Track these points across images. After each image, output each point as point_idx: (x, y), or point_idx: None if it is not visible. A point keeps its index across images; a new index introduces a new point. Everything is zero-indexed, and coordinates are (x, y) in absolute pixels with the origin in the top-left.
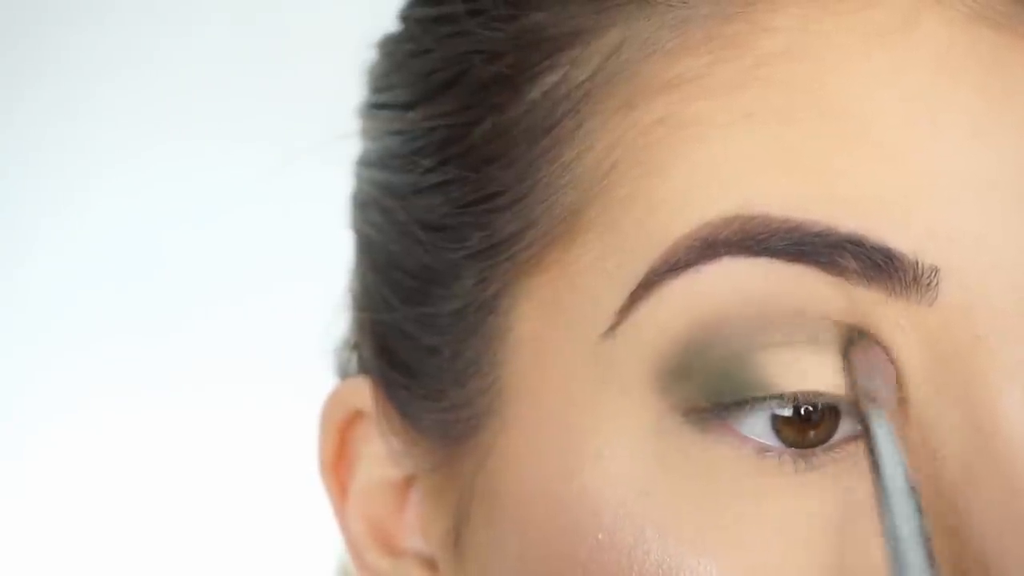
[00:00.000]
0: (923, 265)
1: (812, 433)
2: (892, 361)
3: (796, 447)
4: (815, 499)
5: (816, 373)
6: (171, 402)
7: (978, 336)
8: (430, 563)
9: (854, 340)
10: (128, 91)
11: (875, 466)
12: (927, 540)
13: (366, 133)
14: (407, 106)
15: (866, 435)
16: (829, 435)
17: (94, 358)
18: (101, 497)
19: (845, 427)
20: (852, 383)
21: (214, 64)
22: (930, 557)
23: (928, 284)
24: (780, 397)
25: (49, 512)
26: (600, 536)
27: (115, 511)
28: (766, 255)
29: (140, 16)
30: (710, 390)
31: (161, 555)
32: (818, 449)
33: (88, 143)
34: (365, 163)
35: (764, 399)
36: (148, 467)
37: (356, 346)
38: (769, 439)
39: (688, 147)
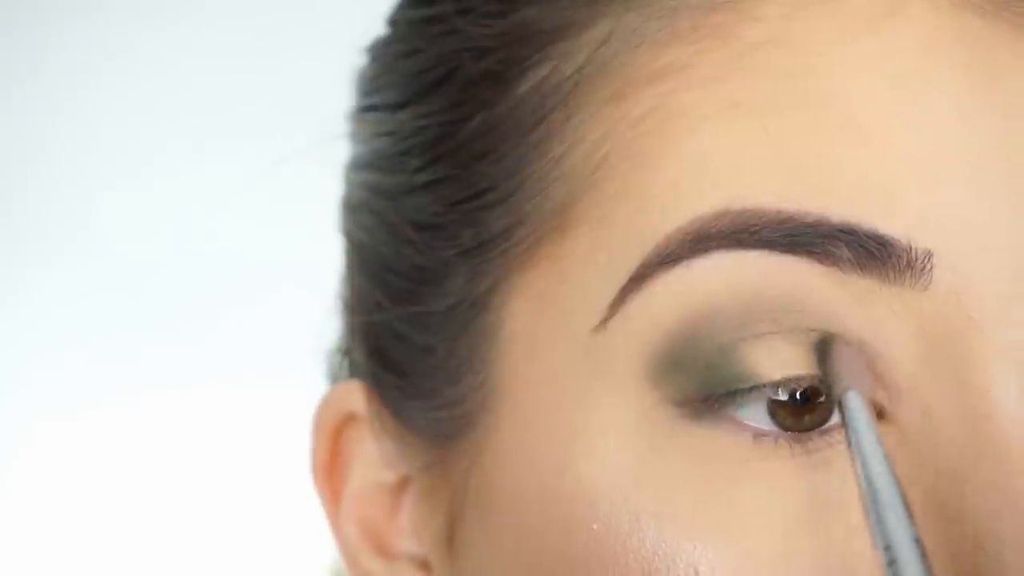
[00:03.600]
0: (916, 250)
1: (807, 417)
2: (873, 354)
3: (792, 431)
4: (812, 482)
5: (801, 360)
6: (163, 405)
7: (970, 318)
8: (424, 565)
9: (828, 341)
10: (121, 94)
11: (852, 445)
12: (917, 535)
13: (356, 137)
14: (396, 106)
15: (843, 420)
16: (824, 419)
17: (87, 361)
18: (95, 498)
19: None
20: (830, 378)
21: (204, 69)
22: (922, 552)
23: (922, 268)
24: (766, 386)
25: (44, 511)
26: (595, 527)
27: (109, 512)
28: (759, 247)
29: (132, 20)
30: (700, 383)
31: (153, 556)
32: (813, 433)
33: (82, 146)
34: (355, 166)
35: (750, 389)
36: (140, 469)
37: (347, 351)
38: (765, 424)
39: (677, 139)
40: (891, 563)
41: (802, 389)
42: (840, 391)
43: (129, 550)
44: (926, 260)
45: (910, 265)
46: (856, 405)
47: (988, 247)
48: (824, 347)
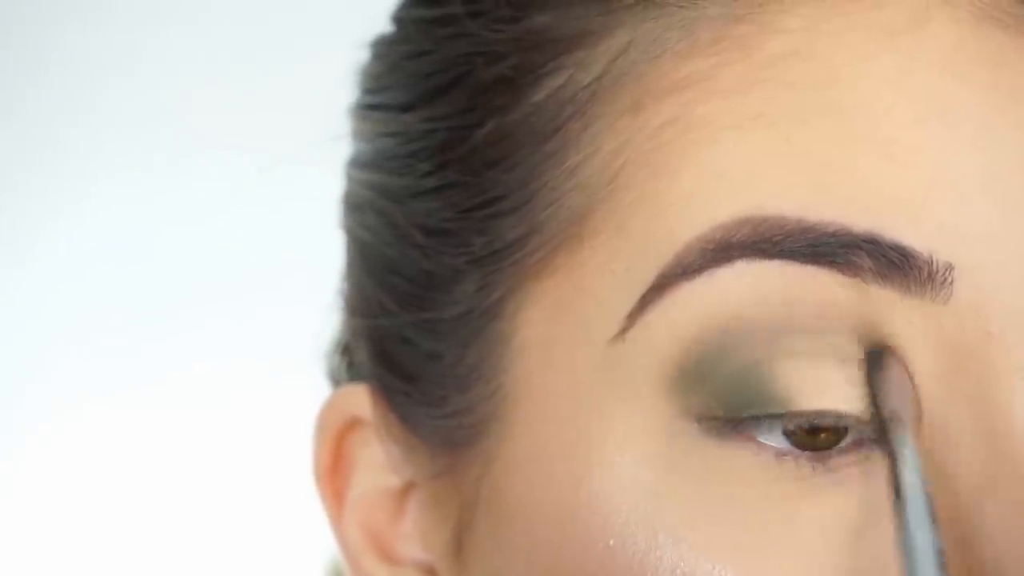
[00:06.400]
0: (938, 262)
1: (823, 436)
2: (909, 373)
3: (808, 450)
4: (832, 503)
5: (835, 390)
6: (162, 403)
7: (991, 334)
8: (430, 571)
9: (878, 358)
10: (122, 92)
11: (897, 489)
12: (943, 563)
13: (358, 134)
14: (404, 108)
15: (890, 456)
16: (839, 439)
17: (86, 358)
18: (93, 496)
19: (853, 432)
20: (876, 402)
21: (205, 65)
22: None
23: (943, 281)
24: (797, 415)
25: (42, 508)
26: (611, 542)
27: (104, 511)
28: (781, 257)
29: (134, 18)
30: (727, 401)
31: (147, 553)
32: (833, 452)
33: (85, 144)
34: (358, 165)
35: (782, 416)
36: (139, 469)
37: (347, 350)
38: (783, 444)
39: (697, 149)
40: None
41: (842, 425)
42: (886, 412)
43: (125, 547)
44: (947, 273)
45: (931, 277)
46: (907, 454)
47: (1009, 262)
48: (874, 361)
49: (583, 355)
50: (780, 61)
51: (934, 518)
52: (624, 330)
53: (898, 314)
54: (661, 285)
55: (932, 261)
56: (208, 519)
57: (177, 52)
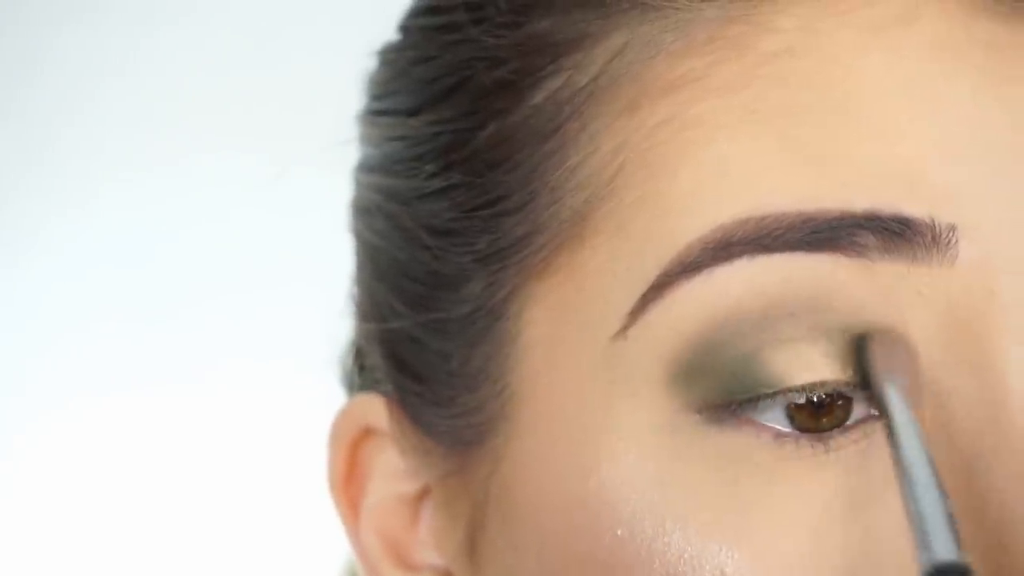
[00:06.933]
0: (940, 225)
1: (825, 420)
2: (911, 349)
3: (810, 432)
4: (834, 481)
5: (825, 364)
6: (163, 405)
7: (992, 292)
8: (446, 575)
9: (871, 334)
10: (130, 95)
11: (893, 442)
12: (950, 511)
13: (367, 139)
14: (410, 112)
15: (883, 414)
16: (843, 420)
17: (86, 358)
18: (93, 500)
19: (859, 410)
20: (871, 372)
21: (210, 67)
22: (953, 525)
23: (947, 243)
24: (790, 390)
25: (41, 510)
26: (619, 531)
27: (106, 514)
28: (782, 249)
29: (137, 19)
30: (723, 389)
31: (150, 557)
32: (834, 432)
33: (86, 143)
34: (366, 169)
35: (775, 394)
36: (141, 472)
37: (359, 356)
38: (784, 426)
39: (694, 148)
40: (924, 547)
41: (825, 393)
42: (878, 387)
43: (128, 550)
44: (950, 234)
45: (935, 241)
46: (894, 399)
47: (1007, 220)
48: (861, 345)
49: (586, 353)
50: (774, 59)
51: (939, 481)
52: (625, 328)
53: (906, 287)
54: (662, 284)
55: (934, 225)
56: (215, 523)
57: (180, 53)
